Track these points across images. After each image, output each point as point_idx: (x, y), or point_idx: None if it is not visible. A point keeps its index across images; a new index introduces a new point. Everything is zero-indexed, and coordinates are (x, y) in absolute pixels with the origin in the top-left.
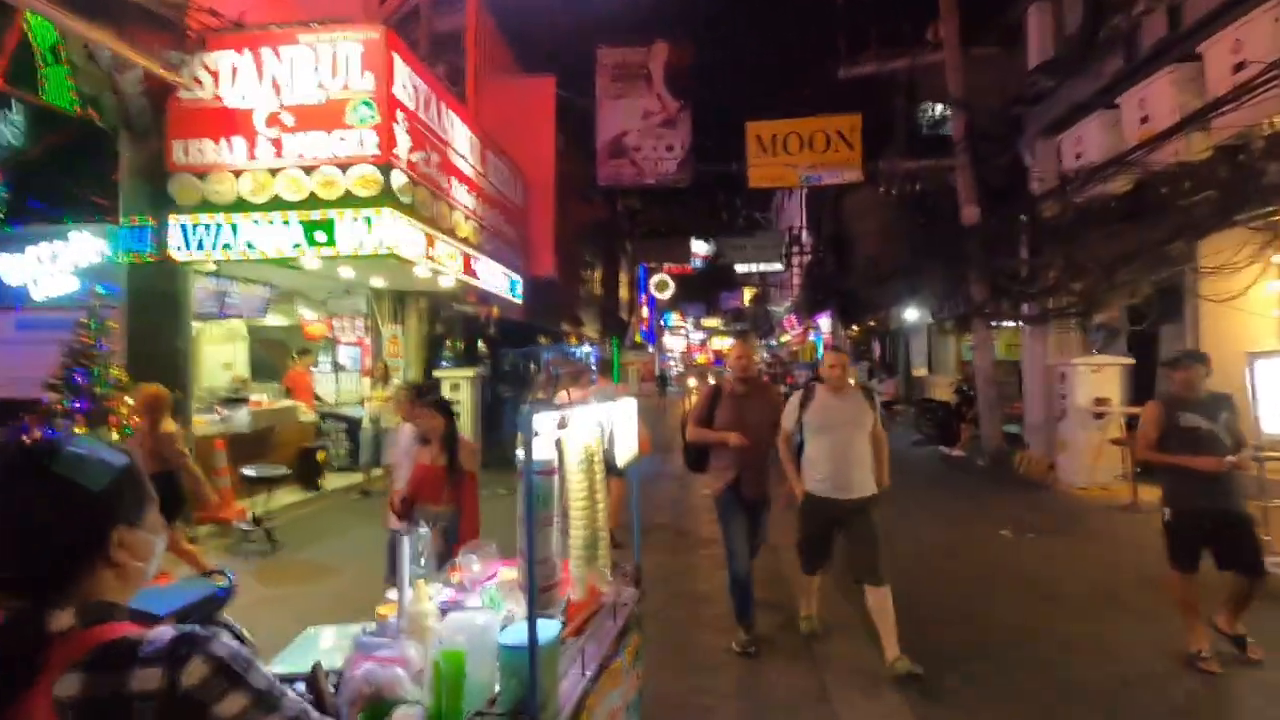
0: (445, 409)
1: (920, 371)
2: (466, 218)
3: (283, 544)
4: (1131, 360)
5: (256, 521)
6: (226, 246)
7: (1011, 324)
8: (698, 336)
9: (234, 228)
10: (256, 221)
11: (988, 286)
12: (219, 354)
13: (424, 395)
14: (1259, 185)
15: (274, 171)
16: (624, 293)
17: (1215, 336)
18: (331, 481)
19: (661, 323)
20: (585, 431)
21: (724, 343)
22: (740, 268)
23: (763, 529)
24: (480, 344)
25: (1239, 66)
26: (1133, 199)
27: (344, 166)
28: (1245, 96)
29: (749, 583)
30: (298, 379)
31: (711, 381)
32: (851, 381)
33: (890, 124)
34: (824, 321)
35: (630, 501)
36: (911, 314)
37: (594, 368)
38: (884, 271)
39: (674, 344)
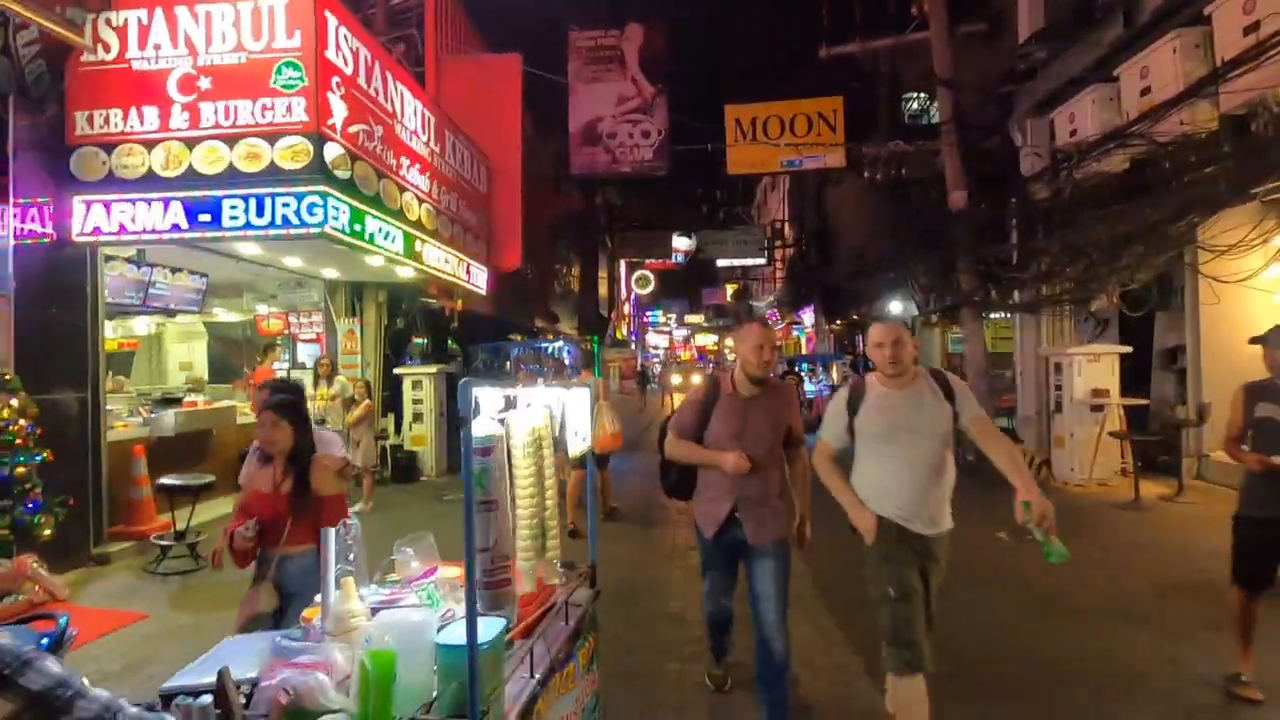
0: (293, 411)
1: None
2: (420, 200)
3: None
4: (1129, 349)
5: (179, 536)
6: (134, 229)
7: (1001, 314)
8: (681, 334)
9: (146, 205)
10: (170, 199)
11: (977, 274)
12: (177, 353)
13: (273, 393)
14: (1277, 155)
15: (190, 143)
16: (603, 289)
17: (1218, 322)
18: None
19: (647, 320)
20: (534, 414)
21: (707, 339)
22: (722, 262)
23: (779, 585)
24: (451, 341)
25: (1252, 28)
26: (1132, 177)
27: (270, 137)
28: (1260, 58)
29: (728, 623)
30: (266, 377)
31: (701, 377)
32: (916, 368)
33: (874, 108)
34: (807, 316)
35: (588, 493)
36: (896, 306)
37: (569, 364)
38: (868, 263)
39: (658, 341)
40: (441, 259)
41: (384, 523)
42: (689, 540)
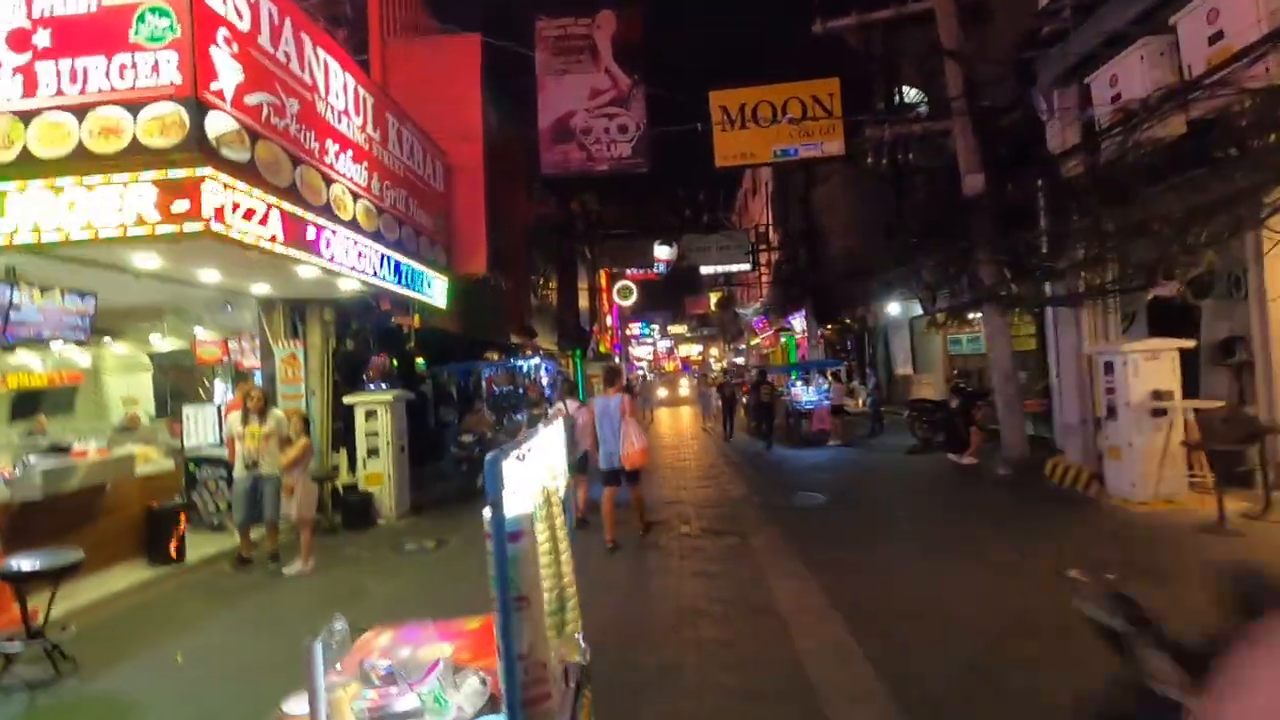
0: None
1: (904, 370)
2: (355, 195)
3: (79, 665)
4: (1192, 343)
5: (34, 634)
6: None
7: (1023, 310)
8: (665, 344)
9: None
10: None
11: (998, 266)
12: (117, 386)
13: None
14: None
15: (25, 116)
16: (584, 301)
17: None
18: (200, 548)
19: (637, 332)
20: (539, 469)
21: (693, 349)
22: (705, 269)
23: None
24: (422, 361)
25: None
26: (1188, 143)
27: (132, 105)
28: None
29: None
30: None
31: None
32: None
33: (871, 91)
34: (797, 321)
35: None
36: (894, 308)
37: (547, 383)
38: (864, 261)
39: (642, 353)
40: (389, 266)
41: (328, 586)
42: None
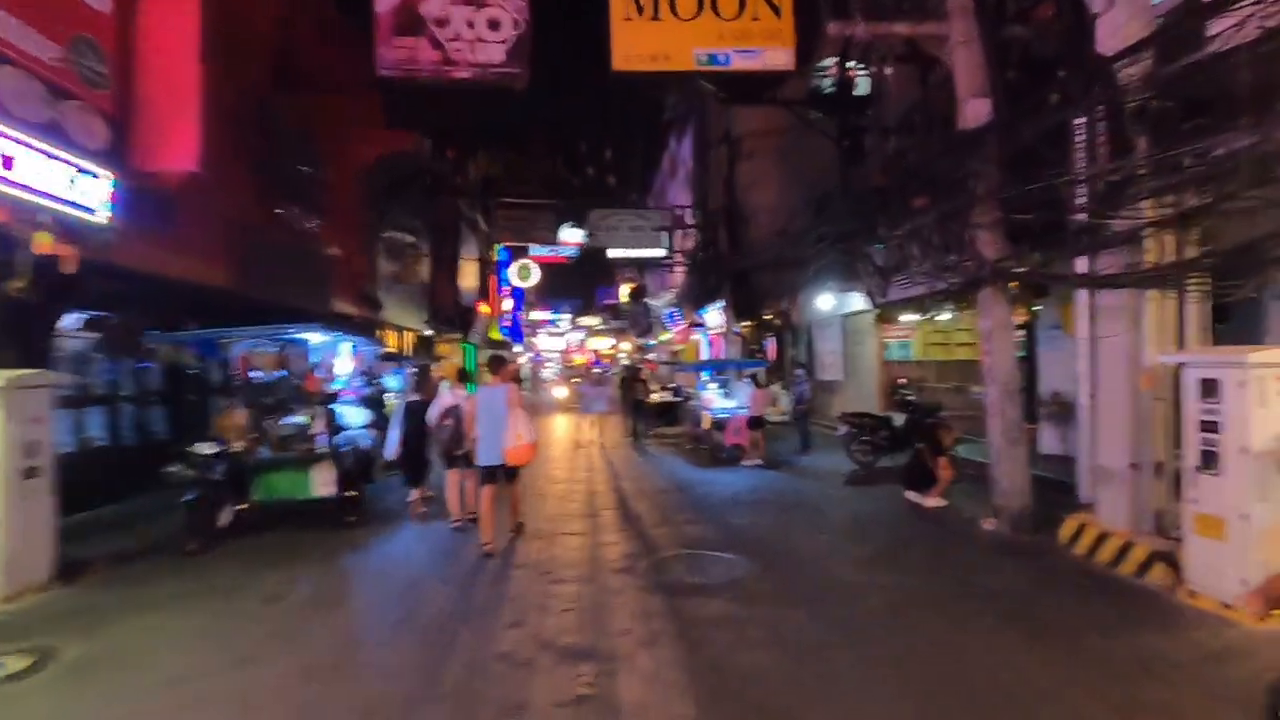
0: None
1: (832, 376)
2: None
3: None
4: None
5: None
6: None
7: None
8: (576, 336)
9: None
10: None
11: (1002, 232)
12: None
13: None
14: None
15: None
16: (470, 278)
17: None
18: None
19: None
20: None
21: (602, 343)
22: (614, 253)
23: None
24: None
25: None
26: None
27: None
28: None
29: None
30: None
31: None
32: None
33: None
34: (712, 316)
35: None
36: (825, 302)
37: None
38: (793, 247)
39: (551, 344)
40: None
41: None
42: None
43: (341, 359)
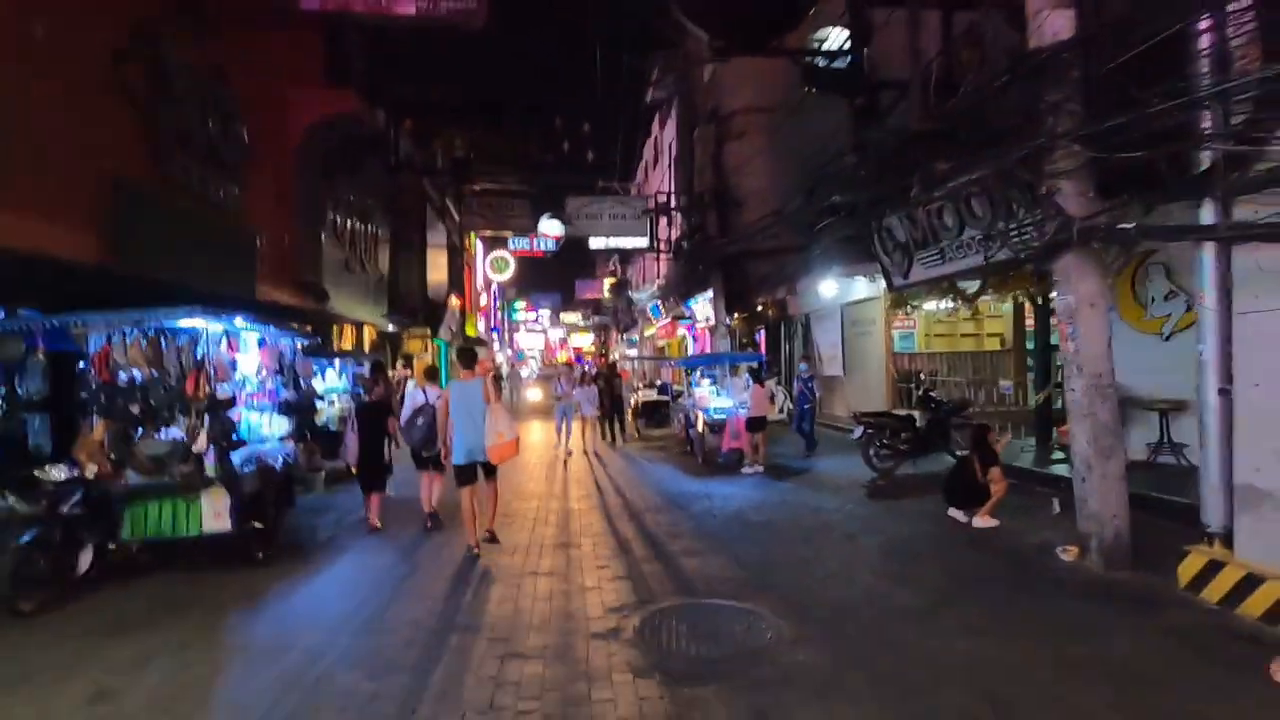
0: None
1: (832, 371)
2: None
3: None
4: None
5: None
6: None
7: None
8: (557, 334)
9: None
10: None
11: (1095, 184)
12: None
13: None
14: None
15: None
16: (438, 270)
17: None
18: None
19: (531, 318)
20: None
21: (584, 339)
22: (596, 243)
23: None
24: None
25: None
26: None
27: None
28: None
29: None
30: None
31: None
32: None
33: None
34: (699, 308)
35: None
36: (826, 290)
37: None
38: (791, 229)
39: (532, 341)
40: None
41: None
42: None
43: (247, 355)
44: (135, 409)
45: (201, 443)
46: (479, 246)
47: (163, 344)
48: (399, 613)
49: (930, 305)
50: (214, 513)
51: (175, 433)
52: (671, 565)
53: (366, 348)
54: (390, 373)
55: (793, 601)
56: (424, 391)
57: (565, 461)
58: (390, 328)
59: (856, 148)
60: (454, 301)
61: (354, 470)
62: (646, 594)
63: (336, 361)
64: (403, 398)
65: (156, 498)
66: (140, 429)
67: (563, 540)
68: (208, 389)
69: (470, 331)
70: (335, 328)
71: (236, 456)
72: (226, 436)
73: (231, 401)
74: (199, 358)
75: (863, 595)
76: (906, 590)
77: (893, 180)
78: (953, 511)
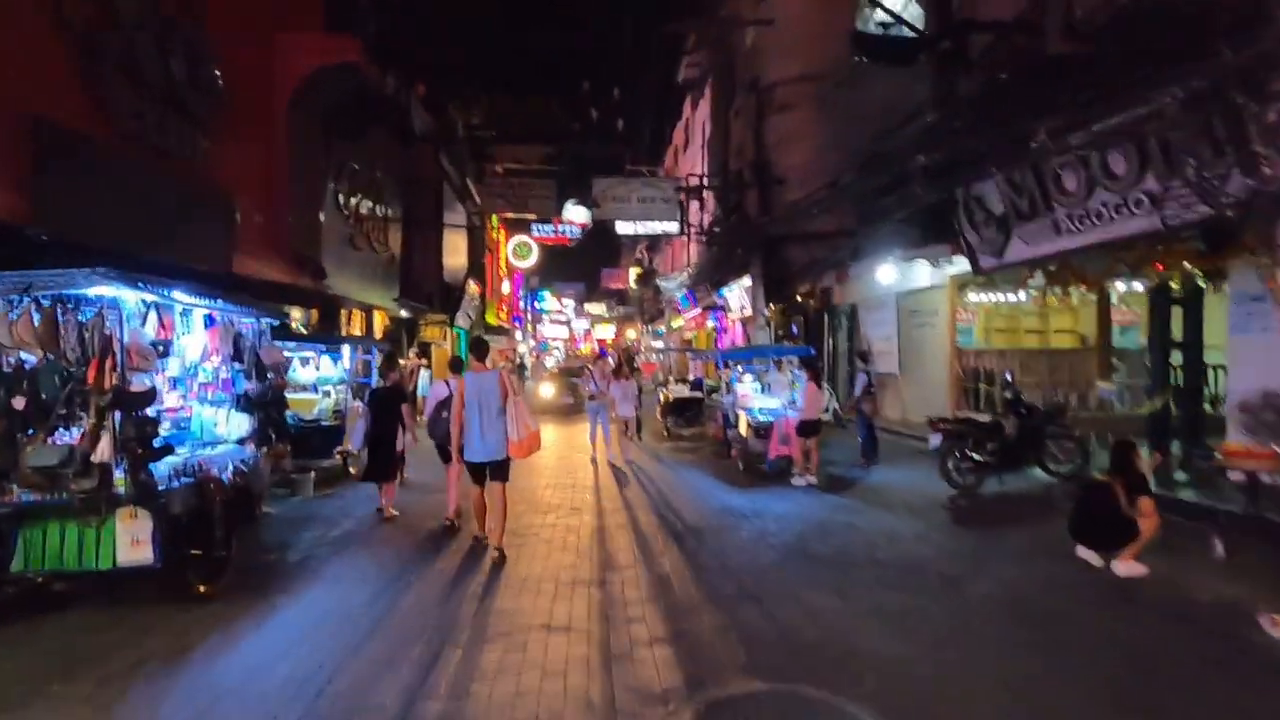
0: None
1: (886, 368)
2: None
3: None
4: None
5: None
6: None
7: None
8: (581, 325)
9: None
10: None
11: None
12: None
13: None
14: None
15: None
16: (457, 254)
17: None
18: None
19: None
20: None
21: (607, 331)
22: (623, 228)
23: None
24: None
25: None
26: None
27: None
28: None
29: None
30: None
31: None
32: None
33: None
34: (734, 296)
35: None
36: (885, 276)
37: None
38: (840, 208)
39: (556, 332)
40: None
41: None
42: None
43: (192, 336)
44: (20, 404)
45: (104, 450)
46: (501, 232)
47: (58, 317)
48: (362, 684)
49: (1000, 296)
50: (130, 540)
51: (71, 435)
52: (725, 619)
53: (378, 334)
54: (402, 361)
55: (900, 690)
56: (447, 384)
57: (595, 464)
58: (402, 313)
59: (940, 101)
60: (472, 288)
61: (353, 454)
62: (695, 669)
63: (344, 349)
64: (415, 388)
65: (57, 520)
66: (30, 430)
67: (584, 574)
68: (115, 379)
69: (490, 320)
70: (343, 312)
71: (162, 467)
72: (144, 441)
73: (151, 395)
74: (108, 336)
75: (1000, 685)
76: (1063, 679)
77: (991, 136)
78: (1083, 551)
